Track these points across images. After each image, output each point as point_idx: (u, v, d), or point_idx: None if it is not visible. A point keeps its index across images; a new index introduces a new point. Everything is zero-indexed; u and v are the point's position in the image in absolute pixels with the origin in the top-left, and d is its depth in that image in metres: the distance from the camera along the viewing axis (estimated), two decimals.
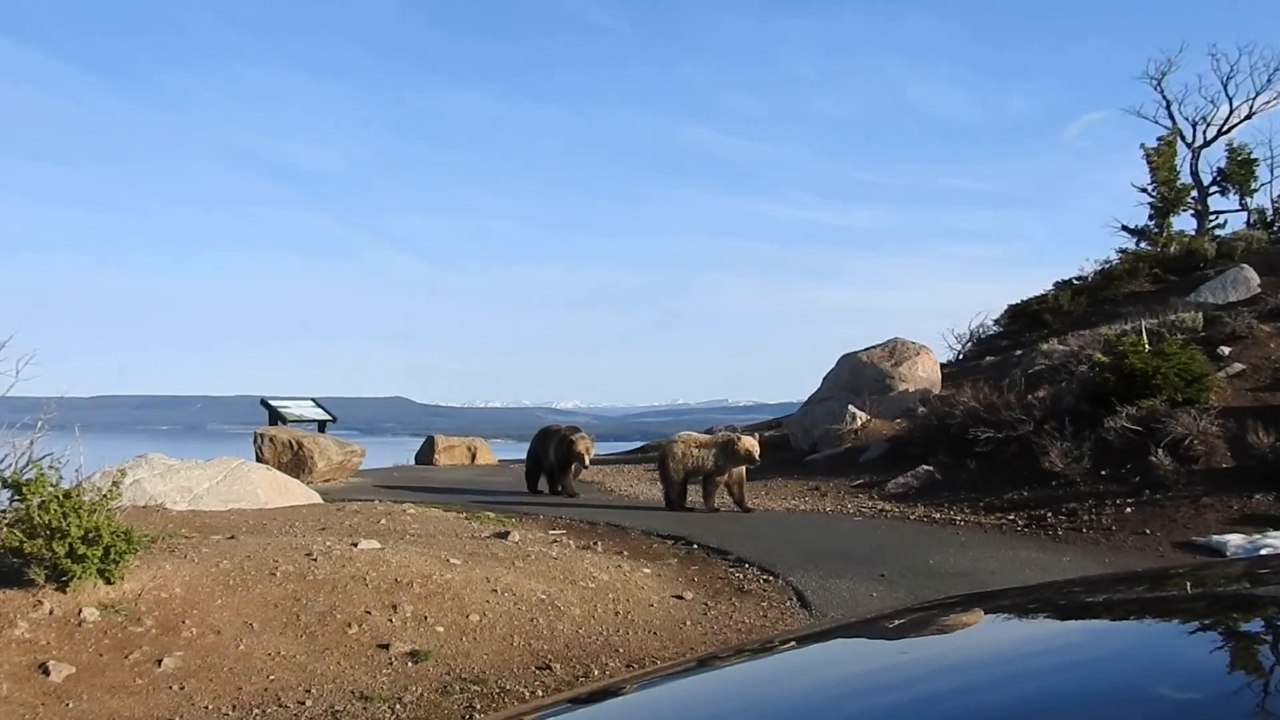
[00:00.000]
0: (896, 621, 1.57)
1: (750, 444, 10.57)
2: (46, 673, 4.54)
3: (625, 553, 8.22)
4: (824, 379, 18.38)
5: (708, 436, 11.47)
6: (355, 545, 6.43)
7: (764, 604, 6.54)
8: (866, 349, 17.68)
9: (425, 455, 19.82)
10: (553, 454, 12.79)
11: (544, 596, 6.06)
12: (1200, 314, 14.57)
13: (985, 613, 1.60)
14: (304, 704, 4.53)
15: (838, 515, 10.70)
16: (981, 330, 23.27)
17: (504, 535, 8.12)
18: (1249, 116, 25.84)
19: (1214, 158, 30.95)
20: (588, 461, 12.60)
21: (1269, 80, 25.49)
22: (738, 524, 9.91)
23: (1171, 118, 26.28)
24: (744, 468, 10.86)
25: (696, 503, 11.18)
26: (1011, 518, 9.64)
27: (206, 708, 4.43)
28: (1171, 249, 21.96)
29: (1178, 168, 25.19)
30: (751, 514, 10.68)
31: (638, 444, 27.16)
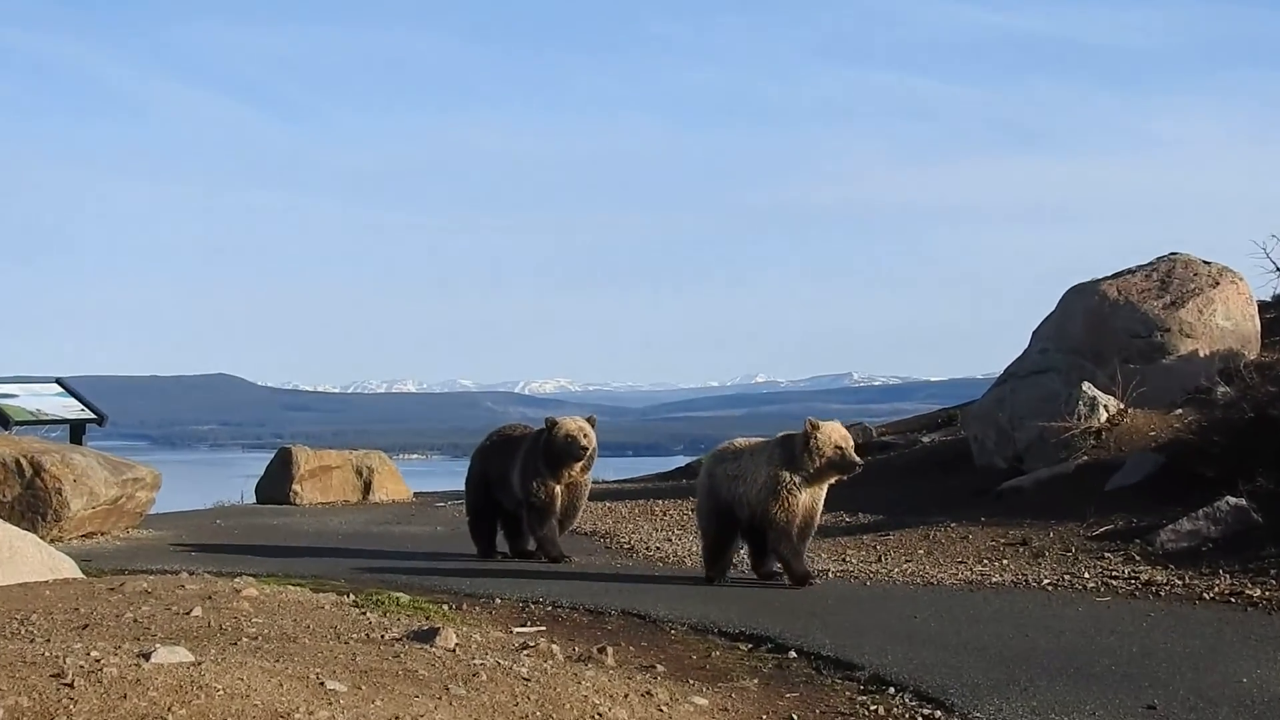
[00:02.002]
0: None
1: (838, 434, 10.80)
2: None
3: (659, 667, 8.24)
4: (1034, 335, 18.32)
5: (760, 440, 11.57)
6: (147, 658, 6.45)
7: None
8: (1115, 276, 17.59)
9: (276, 486, 19.95)
10: (517, 477, 12.73)
11: None
12: None
13: None
14: None
15: (1064, 592, 10.77)
16: None
17: (429, 636, 8.18)
18: None
19: None
20: (585, 444, 12.36)
21: None
22: (870, 611, 9.95)
23: None
24: (830, 483, 11.15)
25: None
26: None
27: None
28: None
29: None
30: (894, 591, 10.77)
31: (677, 461, 27.15)
